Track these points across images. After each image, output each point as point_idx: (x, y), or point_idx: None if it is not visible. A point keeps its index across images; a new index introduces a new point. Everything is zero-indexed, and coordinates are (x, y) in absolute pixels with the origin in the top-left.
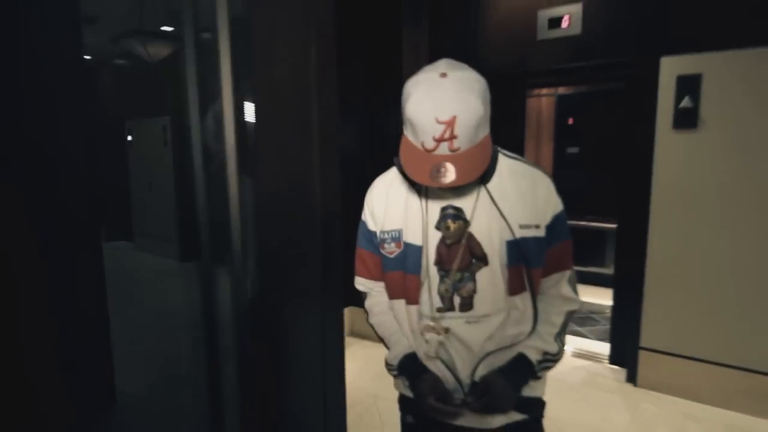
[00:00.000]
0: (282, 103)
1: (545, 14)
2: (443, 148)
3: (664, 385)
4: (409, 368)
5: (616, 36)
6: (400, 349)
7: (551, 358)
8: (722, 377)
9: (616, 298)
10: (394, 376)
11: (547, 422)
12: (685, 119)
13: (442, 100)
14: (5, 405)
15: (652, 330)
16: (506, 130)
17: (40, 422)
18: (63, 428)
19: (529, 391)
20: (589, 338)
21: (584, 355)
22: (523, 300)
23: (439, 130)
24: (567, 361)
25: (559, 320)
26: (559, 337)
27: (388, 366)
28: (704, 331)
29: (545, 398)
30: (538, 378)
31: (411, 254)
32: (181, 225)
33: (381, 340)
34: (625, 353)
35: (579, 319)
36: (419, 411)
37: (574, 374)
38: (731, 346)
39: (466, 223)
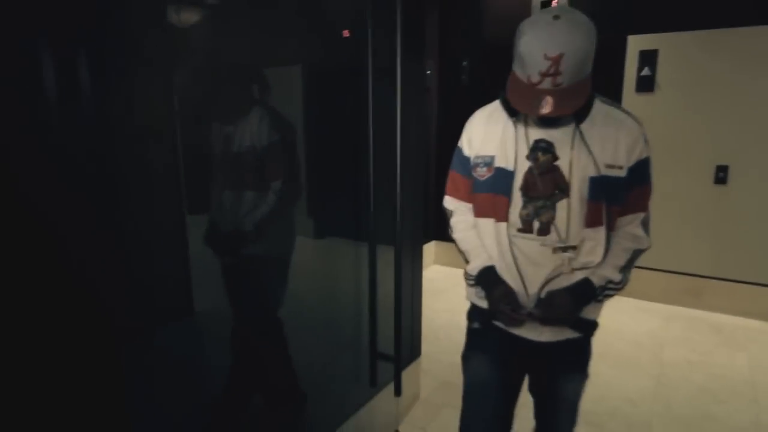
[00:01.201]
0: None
1: None
2: (547, 83)
3: (630, 291)
4: (487, 278)
5: (595, 16)
6: (480, 262)
7: (614, 287)
8: (666, 280)
9: None
10: (471, 286)
11: None
12: (645, 84)
13: (552, 38)
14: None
15: None
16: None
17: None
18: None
19: (587, 313)
20: None
21: None
22: (597, 233)
23: (545, 66)
24: None
25: (626, 255)
26: (625, 270)
27: (468, 276)
28: (654, 246)
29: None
30: (599, 302)
31: (502, 178)
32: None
33: (462, 254)
34: None
35: None
36: (486, 318)
37: None
38: (671, 255)
39: (555, 156)
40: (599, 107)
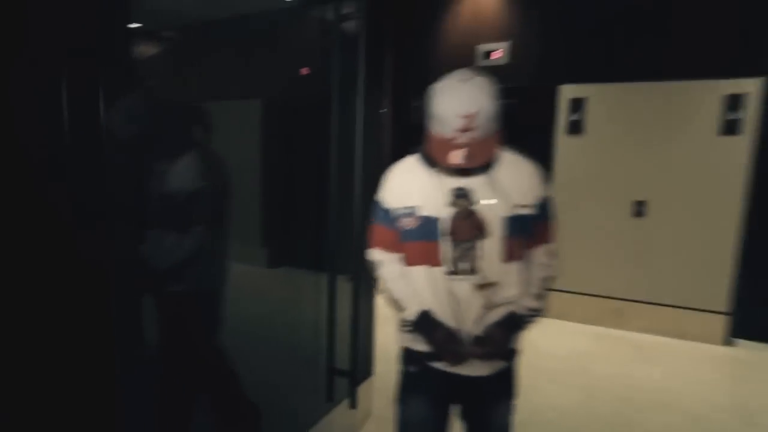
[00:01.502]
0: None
1: (482, 49)
2: (463, 138)
3: (558, 313)
4: (426, 322)
5: (530, 68)
6: (416, 307)
7: (534, 314)
8: (594, 304)
9: None
10: (409, 332)
11: None
12: (575, 128)
13: (464, 99)
14: None
15: None
16: None
17: None
18: None
19: (513, 342)
20: None
21: None
22: (514, 267)
23: (460, 123)
24: None
25: (541, 284)
26: (540, 298)
27: (405, 323)
28: (583, 274)
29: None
30: (523, 330)
31: (430, 225)
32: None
33: (394, 302)
34: None
35: None
36: (424, 361)
37: None
38: (598, 281)
39: (472, 202)
40: (504, 156)
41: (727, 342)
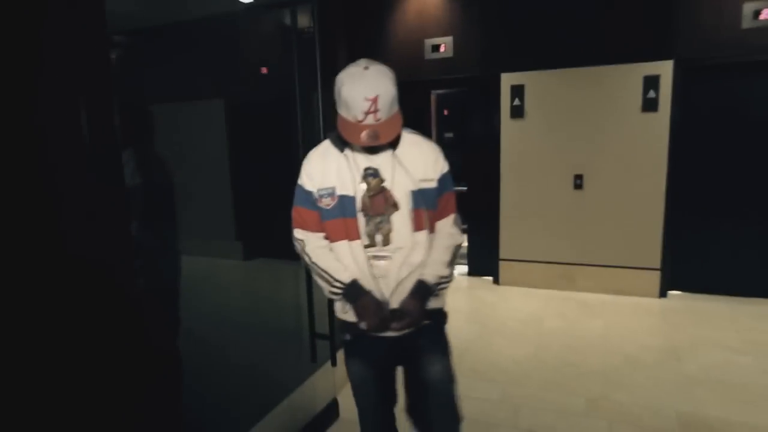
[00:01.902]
0: None
1: (429, 42)
2: (370, 119)
3: (514, 280)
4: (353, 290)
5: (474, 59)
6: (345, 277)
7: (445, 281)
8: (546, 270)
9: (477, 232)
10: (338, 300)
11: (461, 309)
12: (516, 112)
13: (368, 84)
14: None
15: (506, 247)
16: (413, 119)
17: None
18: None
19: (432, 304)
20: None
21: (466, 277)
22: (423, 236)
23: (366, 106)
24: (461, 282)
25: (449, 251)
26: (450, 264)
27: (334, 293)
28: (534, 244)
29: (446, 309)
30: (436, 296)
31: (347, 203)
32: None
33: (321, 275)
34: (491, 265)
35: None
36: (354, 329)
37: (466, 283)
38: (548, 250)
39: (382, 179)
40: (406, 136)
41: (662, 294)
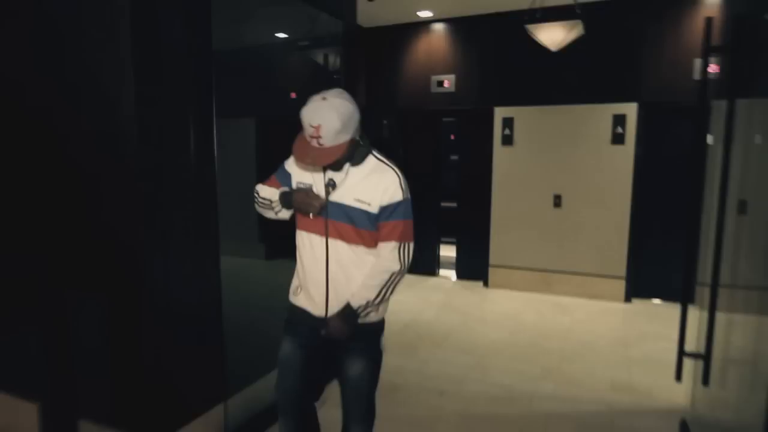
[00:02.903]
0: None
1: (435, 78)
2: (314, 143)
3: (501, 284)
4: (285, 195)
5: (472, 94)
6: (279, 192)
7: (371, 304)
8: (528, 276)
9: (471, 242)
10: (279, 210)
11: (451, 305)
12: (507, 140)
13: (315, 113)
14: None
15: (495, 254)
16: (421, 142)
17: None
18: None
19: (367, 318)
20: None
21: (459, 281)
22: (359, 250)
23: (311, 131)
24: (454, 285)
25: (381, 276)
26: (381, 288)
27: (272, 203)
28: (519, 252)
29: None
30: (360, 316)
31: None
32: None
33: (265, 205)
34: (481, 270)
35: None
36: (294, 315)
37: (457, 285)
38: (530, 258)
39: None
40: (371, 160)
41: (627, 300)
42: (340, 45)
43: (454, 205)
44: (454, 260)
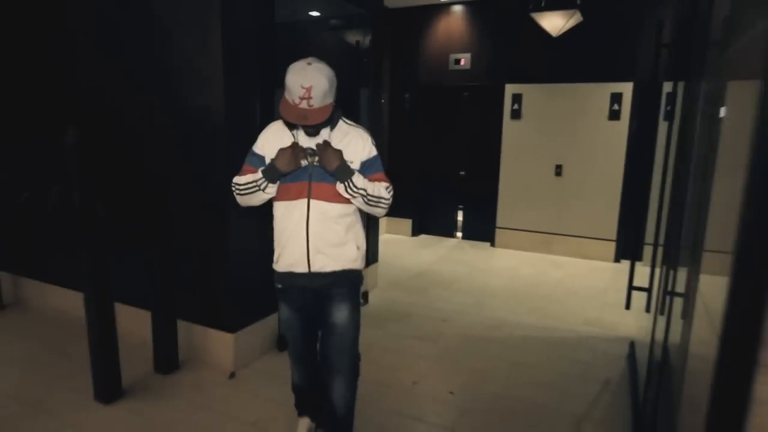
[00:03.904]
0: None
1: (453, 57)
2: (304, 104)
3: (507, 244)
4: (269, 167)
5: (486, 71)
6: (259, 170)
7: (358, 188)
8: (530, 237)
9: (480, 205)
10: (266, 186)
11: (459, 259)
12: (515, 114)
13: (306, 76)
14: None
15: (502, 218)
16: (440, 115)
17: None
18: None
19: (350, 264)
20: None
21: (468, 241)
22: (338, 207)
23: (302, 92)
24: (463, 243)
25: (372, 185)
26: (371, 191)
27: (256, 182)
28: (523, 216)
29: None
30: (347, 186)
31: (299, 171)
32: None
33: (247, 189)
34: (489, 232)
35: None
36: (282, 280)
37: (467, 245)
38: (533, 221)
39: (315, 157)
40: (342, 125)
41: (617, 260)
42: (368, 27)
43: (466, 173)
44: (468, 223)
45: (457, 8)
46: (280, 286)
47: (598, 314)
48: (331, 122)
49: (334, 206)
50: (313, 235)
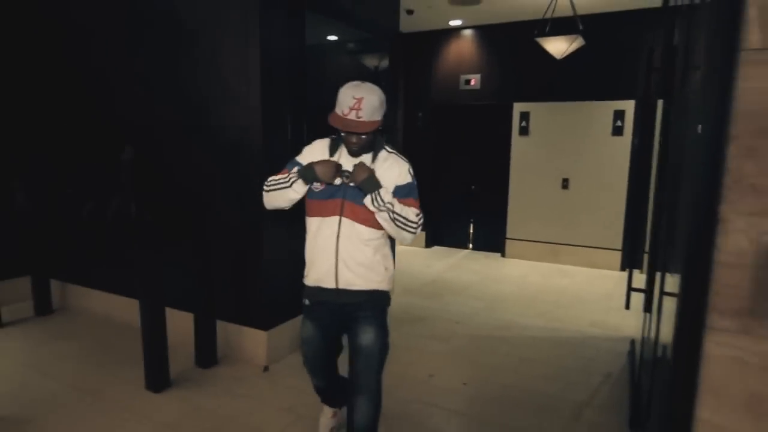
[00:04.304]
0: None
1: (463, 77)
2: (353, 115)
3: (517, 255)
4: (305, 168)
5: (495, 91)
6: (296, 168)
7: (386, 205)
8: (539, 247)
9: (491, 218)
10: (299, 184)
11: (471, 269)
12: (523, 131)
13: (358, 90)
14: None
15: (511, 229)
16: (451, 133)
17: None
18: None
19: (377, 285)
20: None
21: (479, 252)
22: (368, 230)
23: (352, 102)
24: (474, 253)
25: (408, 212)
26: (401, 212)
27: (288, 177)
28: (532, 227)
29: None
30: (381, 210)
31: (334, 188)
32: None
33: (276, 187)
34: (499, 243)
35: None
36: (313, 295)
37: (478, 255)
38: (541, 232)
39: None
40: (384, 151)
41: (622, 269)
42: (385, 51)
43: (477, 187)
44: (479, 234)
45: (467, 32)
46: (307, 302)
47: (603, 317)
48: (374, 149)
49: (364, 228)
50: (342, 252)
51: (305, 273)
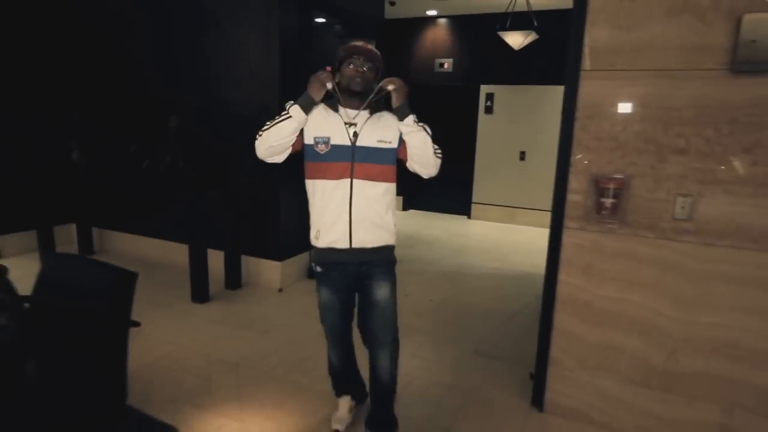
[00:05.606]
0: None
1: (438, 61)
2: (360, 48)
3: (481, 217)
4: (303, 95)
5: (465, 74)
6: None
7: (416, 125)
8: (500, 210)
9: (459, 185)
10: (295, 111)
11: (441, 227)
12: (488, 110)
13: (362, 42)
14: None
15: (476, 194)
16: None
17: None
18: None
19: (386, 241)
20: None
21: (448, 214)
22: (381, 186)
23: (359, 42)
24: (444, 215)
25: (430, 143)
26: (428, 138)
27: (288, 116)
28: (494, 193)
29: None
30: (407, 114)
31: (342, 150)
32: None
33: (273, 126)
34: (465, 206)
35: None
36: (325, 261)
37: (448, 217)
38: (502, 197)
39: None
40: (383, 112)
41: None
42: (371, 35)
43: (448, 157)
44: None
45: (442, 21)
46: (319, 269)
47: (543, 261)
48: (370, 107)
49: (377, 185)
50: (356, 214)
51: (314, 236)
